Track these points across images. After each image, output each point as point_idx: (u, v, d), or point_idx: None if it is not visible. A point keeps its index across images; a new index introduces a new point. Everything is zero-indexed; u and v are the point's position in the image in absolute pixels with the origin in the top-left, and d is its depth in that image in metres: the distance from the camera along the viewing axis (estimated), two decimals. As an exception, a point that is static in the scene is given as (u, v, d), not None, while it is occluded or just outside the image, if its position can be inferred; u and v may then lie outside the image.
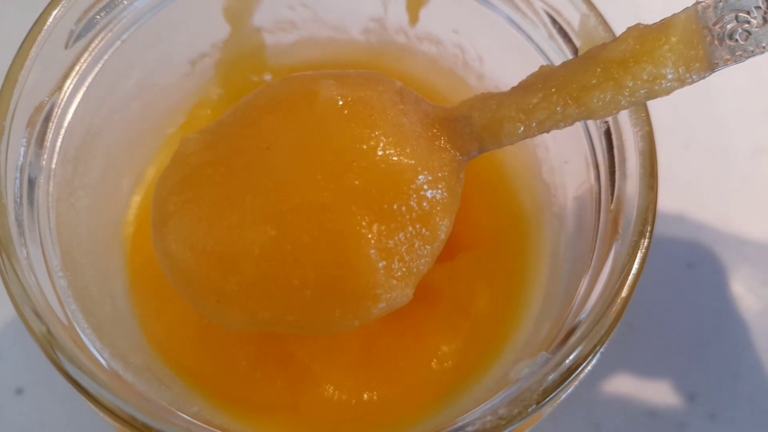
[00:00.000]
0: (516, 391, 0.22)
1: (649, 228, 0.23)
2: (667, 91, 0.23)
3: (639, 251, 0.23)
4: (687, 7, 0.23)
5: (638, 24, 0.23)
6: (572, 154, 0.29)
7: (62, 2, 0.26)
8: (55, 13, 0.25)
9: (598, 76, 0.23)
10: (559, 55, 0.28)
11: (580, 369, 0.21)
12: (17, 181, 0.24)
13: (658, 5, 0.32)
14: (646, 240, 0.23)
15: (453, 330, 0.31)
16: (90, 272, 0.28)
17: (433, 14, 0.32)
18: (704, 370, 0.45)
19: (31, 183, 0.25)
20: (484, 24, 0.31)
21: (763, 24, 0.23)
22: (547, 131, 0.23)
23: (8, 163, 0.24)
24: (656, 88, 0.23)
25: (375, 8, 0.33)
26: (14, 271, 0.22)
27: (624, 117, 0.25)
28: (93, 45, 0.28)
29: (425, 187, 0.24)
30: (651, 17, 0.26)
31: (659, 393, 0.45)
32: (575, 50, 0.27)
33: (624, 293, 0.22)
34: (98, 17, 0.27)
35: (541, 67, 0.24)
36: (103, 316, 0.27)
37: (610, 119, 0.26)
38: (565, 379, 0.21)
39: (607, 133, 0.26)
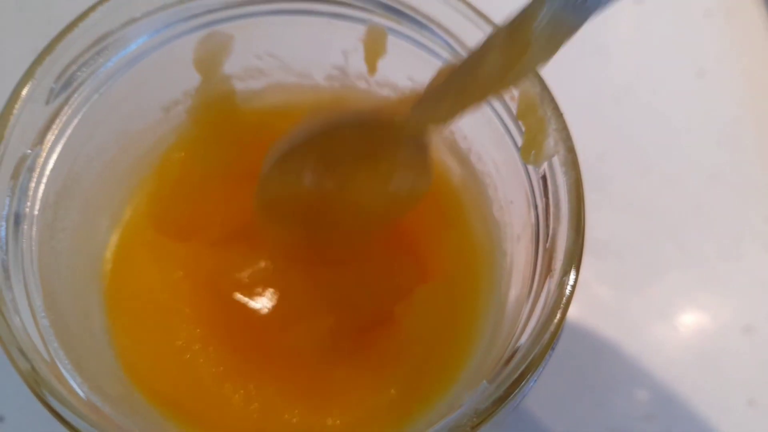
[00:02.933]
0: (453, 419, 0.24)
1: (574, 267, 0.25)
2: (546, 61, 0.26)
3: (566, 288, 0.25)
4: None
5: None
6: (516, 195, 0.31)
7: (44, 62, 0.28)
8: (37, 72, 0.28)
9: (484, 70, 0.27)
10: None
11: (510, 397, 0.24)
12: (3, 230, 0.26)
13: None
14: (572, 277, 0.25)
15: (409, 359, 0.34)
16: (71, 310, 0.30)
17: (390, 65, 0.35)
18: (660, 391, 0.48)
19: (16, 230, 0.27)
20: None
21: None
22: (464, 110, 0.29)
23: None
24: (541, 60, 0.26)
25: (337, 58, 0.36)
26: (1, 313, 0.24)
27: (556, 163, 0.28)
28: (72, 99, 0.30)
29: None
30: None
31: (618, 412, 0.48)
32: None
33: (552, 328, 0.24)
34: (78, 74, 0.30)
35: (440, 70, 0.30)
36: (84, 351, 0.29)
37: (545, 166, 0.29)
38: (497, 407, 0.23)
39: (543, 178, 0.29)
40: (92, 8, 0.29)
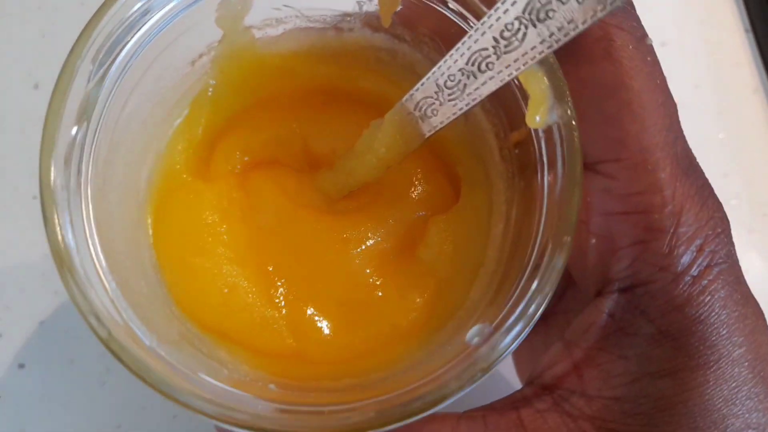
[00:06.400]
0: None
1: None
2: (401, 158, 0.35)
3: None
4: (398, 102, 0.34)
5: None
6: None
7: (82, 50, 0.30)
8: (77, 61, 0.30)
9: (354, 161, 0.36)
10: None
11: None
12: (66, 213, 0.30)
13: None
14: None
15: (423, 287, 0.38)
16: (128, 263, 0.34)
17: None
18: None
19: (77, 203, 0.30)
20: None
21: (441, 104, 0.32)
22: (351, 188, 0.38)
23: (58, 198, 0.29)
24: (390, 160, 0.35)
25: (352, 7, 0.37)
26: (78, 287, 0.29)
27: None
28: (108, 74, 0.32)
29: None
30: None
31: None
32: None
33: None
34: (111, 52, 0.31)
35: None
36: (144, 301, 0.33)
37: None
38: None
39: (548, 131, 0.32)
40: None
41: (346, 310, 0.39)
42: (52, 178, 0.29)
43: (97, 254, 0.31)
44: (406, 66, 0.39)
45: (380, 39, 0.39)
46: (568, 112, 0.31)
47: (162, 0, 0.32)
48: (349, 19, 0.38)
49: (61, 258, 0.28)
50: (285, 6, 0.37)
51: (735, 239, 0.54)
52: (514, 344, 0.30)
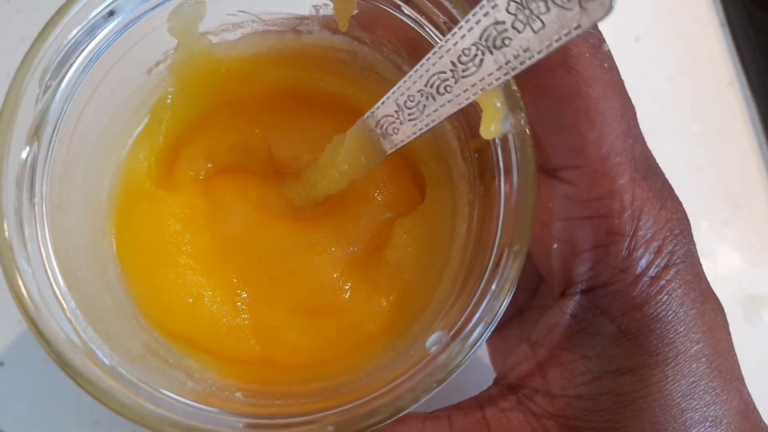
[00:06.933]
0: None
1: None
2: (363, 173, 0.35)
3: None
4: (359, 119, 0.34)
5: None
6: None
7: (26, 75, 0.30)
8: (23, 85, 0.30)
9: (317, 175, 0.36)
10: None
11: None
12: (18, 226, 0.30)
13: None
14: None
15: (390, 290, 0.38)
16: (89, 277, 0.34)
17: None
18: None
19: (32, 229, 0.30)
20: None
21: (401, 123, 0.32)
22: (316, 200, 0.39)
23: (10, 224, 0.29)
24: (352, 175, 0.35)
25: (308, 11, 0.36)
26: (33, 321, 0.29)
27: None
28: (58, 92, 0.31)
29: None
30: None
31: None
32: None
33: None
34: (58, 71, 0.31)
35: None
36: (107, 315, 0.33)
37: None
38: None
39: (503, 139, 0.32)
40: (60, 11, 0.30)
41: (313, 315, 0.39)
42: (2, 204, 0.29)
43: (54, 276, 0.31)
44: (367, 67, 0.39)
45: (340, 41, 0.38)
46: (522, 122, 0.30)
47: (110, 16, 0.32)
48: (306, 22, 0.37)
49: (14, 289, 0.28)
50: (240, 11, 0.36)
51: (709, 231, 0.54)
52: (471, 352, 0.30)
